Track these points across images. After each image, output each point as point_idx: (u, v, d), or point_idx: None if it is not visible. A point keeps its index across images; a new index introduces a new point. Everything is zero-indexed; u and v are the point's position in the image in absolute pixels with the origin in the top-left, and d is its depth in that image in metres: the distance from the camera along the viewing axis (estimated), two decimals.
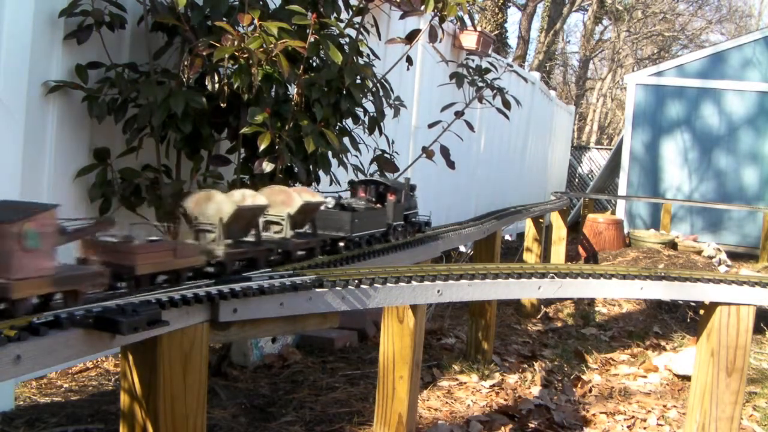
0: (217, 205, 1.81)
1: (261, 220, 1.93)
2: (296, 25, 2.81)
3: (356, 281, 1.88)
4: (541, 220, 5.73)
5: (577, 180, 18.43)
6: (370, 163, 3.57)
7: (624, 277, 2.30)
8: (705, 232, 10.71)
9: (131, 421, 1.51)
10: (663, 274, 2.36)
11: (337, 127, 3.24)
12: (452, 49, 7.38)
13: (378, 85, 3.38)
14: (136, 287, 1.49)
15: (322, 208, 2.22)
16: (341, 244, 2.26)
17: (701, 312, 2.47)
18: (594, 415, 3.43)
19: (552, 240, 6.47)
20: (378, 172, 3.56)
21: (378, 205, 2.54)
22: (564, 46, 26.16)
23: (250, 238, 1.89)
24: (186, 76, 2.71)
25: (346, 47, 3.08)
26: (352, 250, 2.22)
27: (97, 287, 1.41)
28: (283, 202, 2.04)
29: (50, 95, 2.78)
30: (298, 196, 2.07)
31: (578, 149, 19.02)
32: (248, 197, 1.87)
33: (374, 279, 1.91)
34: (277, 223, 2.02)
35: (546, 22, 19.89)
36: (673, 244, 8.71)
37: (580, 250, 8.88)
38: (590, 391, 3.81)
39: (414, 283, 2.00)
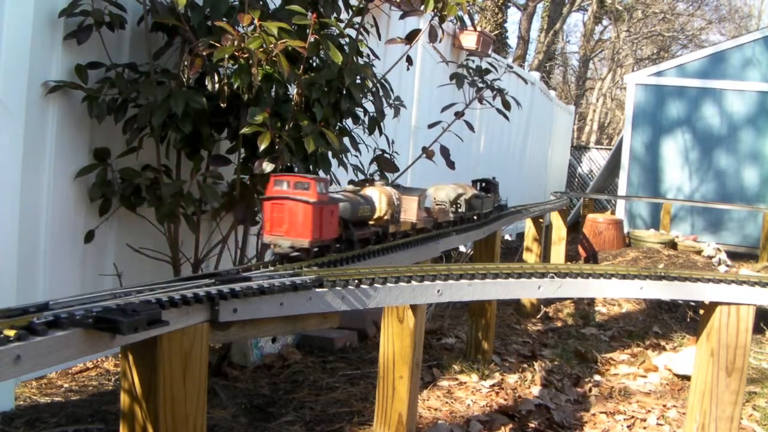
0: (446, 192, 3.30)
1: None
2: (296, 25, 2.80)
3: (356, 281, 1.88)
4: (541, 220, 5.73)
5: (577, 180, 18.43)
6: (370, 163, 3.57)
7: (624, 277, 2.30)
8: (705, 232, 10.71)
9: (131, 421, 1.51)
10: (663, 274, 2.36)
11: (337, 127, 3.24)
12: (452, 49, 7.38)
13: (378, 85, 3.38)
14: (437, 229, 3.04)
15: None
16: (475, 217, 3.62)
17: (701, 312, 2.47)
18: (594, 415, 3.43)
19: (552, 240, 6.47)
20: (378, 172, 3.56)
21: (488, 195, 3.90)
22: (564, 46, 26.16)
23: (453, 209, 3.29)
24: (186, 76, 2.71)
25: (346, 47, 3.07)
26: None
27: (429, 227, 2.92)
28: (462, 192, 3.38)
29: (50, 95, 2.78)
30: (471, 189, 3.53)
31: (578, 149, 19.02)
32: (455, 188, 3.35)
33: (374, 279, 1.91)
34: (459, 204, 3.34)
35: (546, 22, 19.90)
36: (673, 244, 8.70)
37: (580, 250, 8.87)
38: (590, 391, 3.81)
39: (414, 283, 2.00)
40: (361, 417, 3.03)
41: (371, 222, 2.49)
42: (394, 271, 2.03)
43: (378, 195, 2.51)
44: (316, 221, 2.00)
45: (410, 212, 2.74)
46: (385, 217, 2.52)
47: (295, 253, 2.03)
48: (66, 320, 1.25)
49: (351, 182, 3.49)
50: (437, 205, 3.22)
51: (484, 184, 4.03)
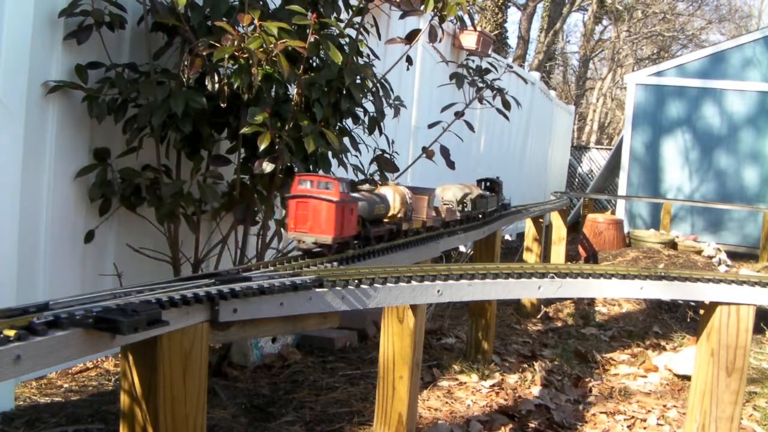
0: (452, 192, 3.37)
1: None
2: (296, 25, 2.80)
3: (356, 281, 1.88)
4: (541, 220, 5.73)
5: (577, 180, 18.43)
6: (370, 163, 3.57)
7: (624, 277, 2.30)
8: (705, 232, 10.70)
9: (131, 421, 1.51)
10: (663, 273, 2.36)
11: (337, 127, 3.24)
12: (452, 49, 7.38)
13: (378, 85, 3.38)
14: (445, 227, 3.16)
15: None
16: (481, 216, 3.73)
17: (701, 312, 2.47)
18: (594, 415, 3.43)
19: (552, 240, 6.47)
20: (378, 172, 3.56)
21: (492, 194, 4.04)
22: (564, 46, 26.16)
23: (460, 209, 3.38)
24: (186, 76, 2.71)
25: (346, 47, 3.07)
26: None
27: (437, 225, 3.04)
28: (468, 192, 3.48)
29: (50, 95, 2.78)
30: (476, 189, 3.65)
31: (578, 149, 19.02)
32: (461, 188, 3.43)
33: (374, 279, 1.91)
34: (466, 203, 3.43)
35: (546, 22, 19.90)
36: (673, 244, 8.70)
37: (580, 250, 8.87)
38: (590, 391, 3.81)
39: (414, 283, 2.00)
40: (361, 417, 3.03)
41: (386, 220, 2.60)
42: (394, 271, 2.03)
43: (392, 194, 2.64)
44: (339, 219, 2.13)
45: (421, 211, 2.88)
46: (399, 215, 2.65)
47: (318, 249, 2.14)
48: (66, 320, 1.25)
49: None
50: (444, 204, 3.31)
51: (488, 184, 4.16)
